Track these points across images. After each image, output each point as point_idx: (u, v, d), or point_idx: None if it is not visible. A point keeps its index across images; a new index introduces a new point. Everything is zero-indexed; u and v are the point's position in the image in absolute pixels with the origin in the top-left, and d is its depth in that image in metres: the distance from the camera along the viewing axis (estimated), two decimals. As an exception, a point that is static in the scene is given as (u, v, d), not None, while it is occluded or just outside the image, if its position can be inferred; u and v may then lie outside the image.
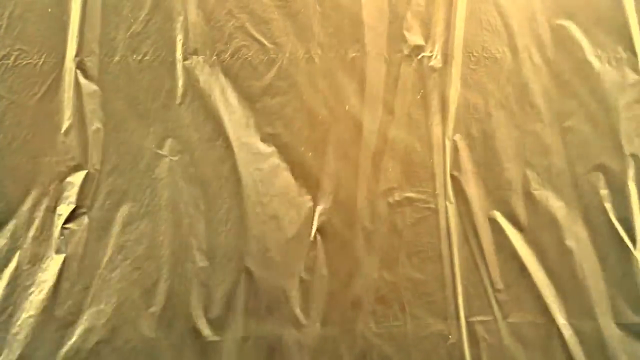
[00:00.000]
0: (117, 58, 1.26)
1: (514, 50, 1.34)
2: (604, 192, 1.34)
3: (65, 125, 1.25)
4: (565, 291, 1.34)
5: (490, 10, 1.34)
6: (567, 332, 1.33)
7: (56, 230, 1.24)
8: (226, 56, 1.29)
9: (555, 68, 1.34)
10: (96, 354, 1.24)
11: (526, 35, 1.34)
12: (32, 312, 1.22)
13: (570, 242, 1.34)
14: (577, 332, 1.33)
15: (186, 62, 1.28)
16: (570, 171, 1.35)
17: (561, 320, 1.33)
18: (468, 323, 1.33)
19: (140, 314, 1.26)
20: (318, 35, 1.31)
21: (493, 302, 1.33)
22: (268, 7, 1.29)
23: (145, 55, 1.27)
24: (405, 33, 1.33)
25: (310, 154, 1.31)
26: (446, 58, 1.34)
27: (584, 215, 1.34)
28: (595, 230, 1.34)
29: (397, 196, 1.33)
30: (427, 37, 1.34)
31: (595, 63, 1.34)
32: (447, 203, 1.34)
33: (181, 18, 1.27)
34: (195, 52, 1.28)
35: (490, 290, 1.34)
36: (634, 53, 1.34)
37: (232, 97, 1.29)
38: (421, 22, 1.33)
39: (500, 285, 1.33)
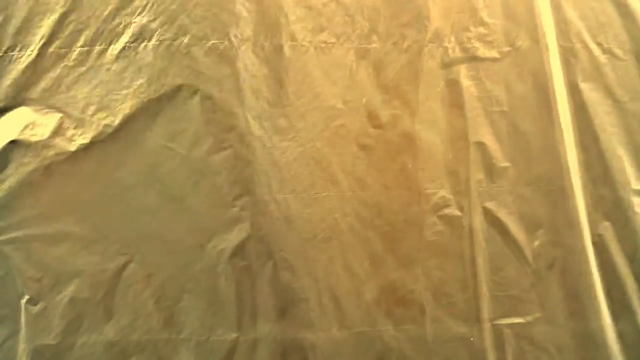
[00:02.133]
0: (121, 46, 1.20)
1: (538, 40, 1.28)
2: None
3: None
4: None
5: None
6: (610, 334, 1.28)
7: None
8: (238, 43, 1.23)
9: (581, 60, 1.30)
10: None
11: (551, 25, 1.29)
12: None
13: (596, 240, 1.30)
14: (620, 335, 1.29)
15: (194, 49, 1.21)
16: (603, 167, 1.30)
17: (603, 321, 1.28)
18: (494, 326, 1.28)
19: (149, 311, 1.23)
20: (333, 25, 1.25)
21: (521, 303, 1.29)
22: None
23: (150, 41, 1.21)
24: (425, 22, 1.27)
25: (326, 149, 1.26)
26: (467, 48, 1.28)
27: (612, 213, 1.30)
28: (620, 226, 1.30)
29: (416, 193, 1.28)
30: (448, 26, 1.28)
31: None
32: (469, 200, 1.29)
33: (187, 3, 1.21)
34: (206, 37, 1.22)
35: (518, 290, 1.29)
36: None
37: (246, 88, 1.23)
38: (442, 10, 1.27)
39: (529, 284, 1.29)
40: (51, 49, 1.18)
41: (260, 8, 1.22)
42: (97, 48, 1.20)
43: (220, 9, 1.21)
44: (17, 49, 1.18)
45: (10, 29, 1.18)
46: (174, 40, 1.20)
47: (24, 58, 1.18)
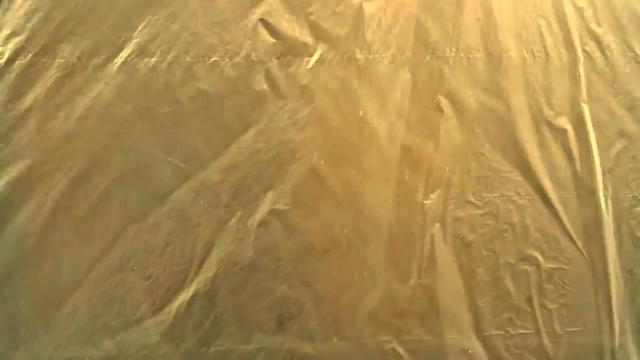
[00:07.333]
0: (121, 60, 1.21)
1: (536, 51, 1.31)
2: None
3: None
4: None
5: (511, 11, 1.31)
6: (609, 347, 1.30)
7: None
8: (239, 59, 1.24)
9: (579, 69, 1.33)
10: None
11: (551, 36, 1.32)
12: None
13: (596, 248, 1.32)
14: (621, 347, 1.30)
15: (195, 66, 1.23)
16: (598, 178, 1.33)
17: (603, 333, 1.30)
18: (492, 337, 1.29)
19: (149, 325, 1.22)
20: (331, 37, 1.27)
21: (521, 314, 1.29)
22: (280, 7, 1.25)
23: (152, 57, 1.22)
24: (423, 35, 1.29)
25: (322, 161, 1.27)
26: (466, 61, 1.30)
27: (615, 220, 1.32)
28: (622, 239, 1.32)
29: (412, 204, 1.29)
30: (445, 39, 1.30)
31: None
32: (468, 211, 1.30)
33: (189, 22, 1.23)
34: (206, 55, 1.23)
35: (517, 302, 1.30)
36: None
37: (249, 103, 1.25)
38: (440, 24, 1.30)
39: (527, 296, 1.30)
40: (44, 59, 1.18)
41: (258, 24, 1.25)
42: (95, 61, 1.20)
43: (222, 29, 1.23)
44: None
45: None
46: (176, 57, 1.22)
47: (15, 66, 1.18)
